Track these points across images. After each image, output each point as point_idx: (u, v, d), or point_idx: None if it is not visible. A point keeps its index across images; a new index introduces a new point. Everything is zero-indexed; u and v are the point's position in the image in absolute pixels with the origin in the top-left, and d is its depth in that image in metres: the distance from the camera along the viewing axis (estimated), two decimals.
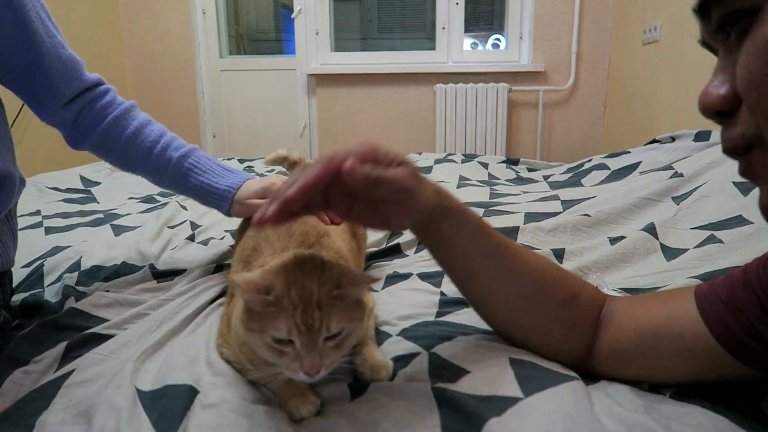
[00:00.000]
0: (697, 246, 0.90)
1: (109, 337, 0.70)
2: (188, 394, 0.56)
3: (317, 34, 3.24)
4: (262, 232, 0.77)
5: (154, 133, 0.90)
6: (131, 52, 3.37)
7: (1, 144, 0.77)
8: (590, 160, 1.70)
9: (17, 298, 0.87)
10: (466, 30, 3.17)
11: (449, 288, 0.80)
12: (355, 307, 0.54)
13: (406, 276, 0.87)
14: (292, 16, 3.23)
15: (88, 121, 0.88)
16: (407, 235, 1.08)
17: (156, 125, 0.91)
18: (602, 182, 1.46)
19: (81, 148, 0.91)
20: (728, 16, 0.34)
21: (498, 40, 3.25)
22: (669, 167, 1.27)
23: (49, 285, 0.93)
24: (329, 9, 3.25)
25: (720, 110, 0.36)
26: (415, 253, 1.01)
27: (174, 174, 0.89)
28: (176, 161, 0.88)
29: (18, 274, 0.96)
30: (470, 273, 0.59)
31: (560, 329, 0.57)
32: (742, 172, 0.38)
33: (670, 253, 0.92)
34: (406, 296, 0.80)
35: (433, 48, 3.19)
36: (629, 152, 1.59)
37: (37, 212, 1.41)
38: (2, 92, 0.81)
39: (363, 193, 0.49)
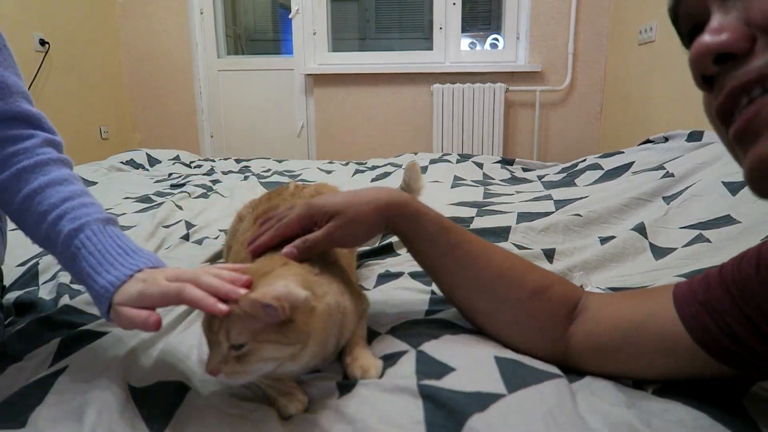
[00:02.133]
0: (686, 245, 0.91)
1: (102, 334, 0.71)
2: (179, 390, 0.57)
3: (315, 34, 3.25)
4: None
5: (57, 196, 0.67)
6: (128, 52, 3.37)
7: None
8: (584, 160, 1.71)
9: (11, 296, 0.88)
10: (464, 30, 3.19)
11: None
12: (271, 330, 0.51)
13: (397, 275, 0.88)
14: (290, 17, 3.24)
15: None
16: None
17: (69, 188, 0.69)
18: (595, 182, 1.47)
19: None
20: None
21: (496, 40, 3.26)
22: (661, 167, 1.28)
23: (44, 283, 0.94)
24: (327, 9, 3.26)
25: (731, 50, 0.32)
26: (407, 252, 1.02)
27: (61, 252, 0.65)
28: (65, 236, 0.64)
29: (13, 273, 0.97)
30: (433, 269, 0.69)
31: (530, 320, 0.61)
32: (739, 135, 0.33)
33: (659, 252, 0.93)
34: (397, 295, 0.81)
35: (430, 48, 3.20)
36: (623, 152, 1.60)
37: None
38: None
39: None
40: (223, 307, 0.51)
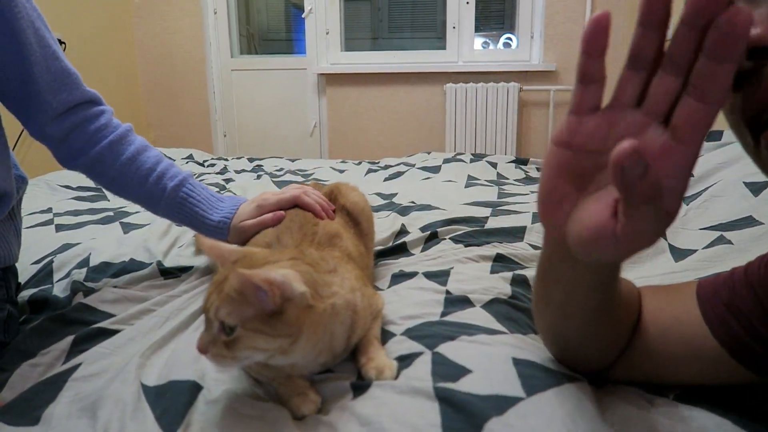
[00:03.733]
0: (706, 247, 0.89)
1: (115, 332, 0.71)
2: (192, 389, 0.57)
3: (327, 33, 3.25)
4: (275, 231, 0.81)
5: (150, 161, 0.87)
6: (143, 52, 3.40)
7: (2, 163, 0.77)
8: None
9: (26, 293, 0.88)
10: (477, 29, 3.17)
11: (455, 287, 0.80)
12: (260, 320, 0.50)
13: (411, 275, 0.87)
14: (303, 16, 3.24)
15: (81, 143, 0.85)
16: (414, 234, 1.08)
17: (152, 152, 0.89)
18: None
19: (72, 168, 0.88)
20: None
21: (509, 39, 3.24)
22: None
23: (58, 281, 0.94)
24: (340, 9, 3.25)
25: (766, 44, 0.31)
26: (422, 252, 1.01)
27: (168, 203, 0.87)
28: (171, 190, 0.86)
29: (28, 271, 0.98)
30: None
31: (627, 335, 0.53)
32: None
33: (679, 253, 0.91)
34: (412, 295, 0.80)
35: (443, 47, 3.18)
36: None
37: (49, 210, 1.43)
38: None
39: None
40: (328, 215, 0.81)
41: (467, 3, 3.09)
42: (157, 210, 0.89)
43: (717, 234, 0.92)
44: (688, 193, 1.12)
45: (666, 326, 0.52)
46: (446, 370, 0.55)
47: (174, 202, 0.87)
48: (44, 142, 0.85)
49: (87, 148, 0.85)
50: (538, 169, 1.97)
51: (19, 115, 0.82)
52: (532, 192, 1.51)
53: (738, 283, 0.49)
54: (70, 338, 0.69)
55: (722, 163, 1.15)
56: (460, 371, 0.55)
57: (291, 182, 1.79)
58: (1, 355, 0.70)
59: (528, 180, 1.75)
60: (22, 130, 0.84)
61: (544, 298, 0.52)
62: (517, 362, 0.56)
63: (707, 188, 1.08)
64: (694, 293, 0.51)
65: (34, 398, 0.59)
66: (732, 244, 0.87)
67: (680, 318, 0.51)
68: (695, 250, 0.90)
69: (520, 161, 2.04)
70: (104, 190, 0.91)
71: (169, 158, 2.53)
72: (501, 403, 0.48)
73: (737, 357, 0.47)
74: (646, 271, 0.89)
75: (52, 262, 1.00)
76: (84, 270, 0.96)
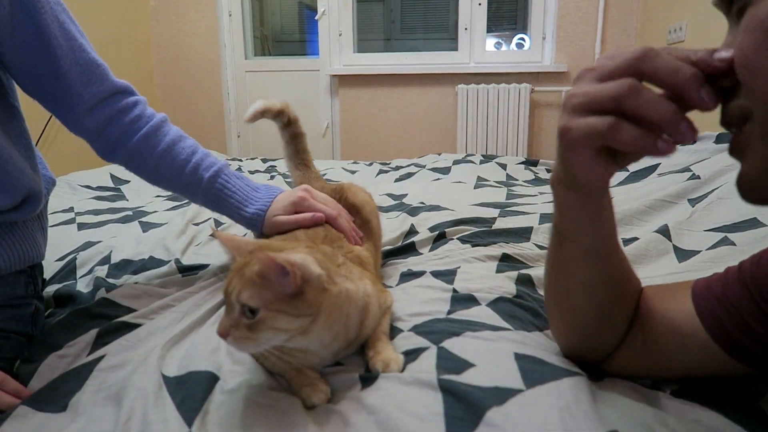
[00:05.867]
0: (710, 248, 0.90)
1: (137, 325, 0.74)
2: (210, 380, 0.60)
3: (340, 35, 3.28)
4: (291, 235, 0.84)
5: (186, 151, 0.88)
6: (158, 53, 3.46)
7: (27, 163, 0.79)
8: None
9: (51, 289, 0.92)
10: (490, 30, 3.18)
11: (461, 285, 0.82)
12: (282, 300, 0.52)
13: (419, 274, 0.90)
14: (316, 18, 3.27)
15: (117, 135, 0.85)
16: (422, 234, 1.10)
17: (188, 141, 0.90)
18: (620, 184, 1.46)
19: (111, 160, 0.89)
20: None
21: (522, 39, 3.25)
22: (687, 169, 1.27)
23: (81, 277, 0.98)
24: (352, 10, 3.28)
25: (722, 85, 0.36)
26: (430, 251, 1.04)
27: (205, 194, 0.88)
28: (207, 182, 0.87)
29: (52, 267, 1.02)
30: (606, 249, 0.52)
31: (627, 324, 0.55)
32: (731, 149, 0.39)
33: (683, 254, 0.92)
34: (419, 293, 0.82)
35: (455, 49, 3.20)
36: None
37: (71, 209, 1.48)
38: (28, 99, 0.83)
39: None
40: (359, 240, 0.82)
41: (479, 4, 3.10)
42: (196, 200, 0.90)
43: (721, 235, 0.94)
44: (694, 194, 1.13)
45: (659, 318, 0.54)
46: (450, 363, 0.58)
47: (210, 193, 0.88)
48: (83, 136, 0.85)
49: (124, 140, 0.85)
50: (547, 171, 1.98)
51: (56, 112, 0.83)
52: (541, 193, 1.52)
53: (731, 279, 0.51)
54: (94, 331, 0.73)
55: (728, 166, 1.16)
56: (464, 365, 0.57)
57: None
58: (30, 347, 0.74)
59: (537, 181, 1.77)
60: (41, 133, 0.87)
61: (554, 285, 0.57)
62: (519, 357, 0.58)
63: (713, 190, 1.10)
64: (689, 289, 0.54)
65: (61, 387, 0.62)
66: (735, 245, 0.88)
67: (673, 310, 0.53)
68: (699, 251, 0.91)
69: (530, 162, 2.05)
70: (147, 183, 0.91)
71: None
72: (501, 395, 0.51)
73: (728, 350, 0.49)
74: (650, 271, 0.91)
75: (75, 259, 1.04)
76: (106, 267, 1.00)
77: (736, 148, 0.38)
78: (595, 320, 0.55)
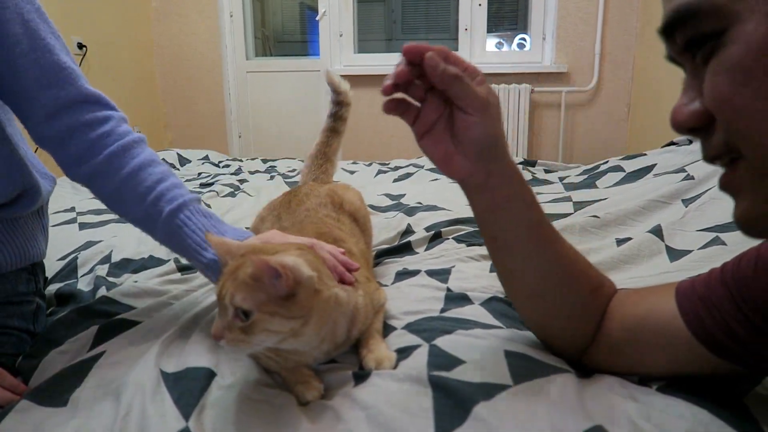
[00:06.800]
0: (701, 248, 0.92)
1: (136, 323, 0.76)
2: (207, 376, 0.62)
3: (341, 35, 3.29)
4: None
5: (152, 178, 0.76)
6: (160, 53, 3.47)
7: (15, 163, 0.76)
8: (606, 162, 1.71)
9: (53, 287, 0.94)
10: (491, 30, 3.19)
11: (455, 284, 0.84)
12: (275, 303, 0.54)
13: (414, 273, 0.91)
14: (317, 18, 3.29)
15: (80, 150, 0.75)
16: (419, 234, 1.12)
17: (157, 168, 0.78)
18: (616, 184, 1.47)
19: (73, 178, 0.78)
20: (694, 39, 0.35)
21: (523, 39, 3.26)
22: (682, 170, 1.28)
23: (82, 276, 1.00)
24: (353, 10, 3.30)
25: (693, 126, 0.37)
26: (425, 250, 1.05)
27: (163, 229, 0.75)
28: (167, 215, 0.74)
29: (54, 266, 1.03)
30: (512, 241, 0.58)
31: (586, 317, 0.59)
32: (723, 185, 0.38)
33: (675, 254, 0.94)
34: (414, 292, 0.84)
35: (455, 49, 3.21)
36: (645, 154, 1.60)
37: (72, 209, 1.49)
38: None
39: (439, 85, 0.54)
40: (349, 277, 0.66)
41: (479, 5, 3.11)
42: (156, 236, 0.78)
43: (713, 235, 0.95)
44: (688, 195, 1.15)
45: (642, 315, 0.55)
46: (441, 360, 0.59)
47: (169, 229, 0.75)
48: (44, 146, 0.76)
49: (87, 157, 0.75)
50: (546, 171, 1.99)
51: (18, 116, 0.76)
52: (538, 194, 1.53)
53: (714, 280, 0.52)
54: (94, 328, 0.74)
55: None
56: (454, 362, 0.58)
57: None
58: (32, 343, 0.75)
59: (535, 181, 1.78)
60: None
61: (501, 270, 0.63)
62: (509, 354, 0.60)
63: (706, 191, 1.11)
64: (673, 289, 0.55)
65: (62, 382, 0.64)
66: (726, 245, 0.89)
67: (656, 308, 0.54)
68: (691, 251, 0.93)
69: (528, 163, 2.06)
70: (108, 209, 0.81)
71: (186, 160, 2.56)
72: (489, 390, 0.52)
73: (711, 349, 0.50)
74: (642, 271, 0.92)
75: (76, 258, 1.06)
76: (106, 266, 1.02)
77: (728, 186, 0.38)
78: (532, 308, 0.62)
